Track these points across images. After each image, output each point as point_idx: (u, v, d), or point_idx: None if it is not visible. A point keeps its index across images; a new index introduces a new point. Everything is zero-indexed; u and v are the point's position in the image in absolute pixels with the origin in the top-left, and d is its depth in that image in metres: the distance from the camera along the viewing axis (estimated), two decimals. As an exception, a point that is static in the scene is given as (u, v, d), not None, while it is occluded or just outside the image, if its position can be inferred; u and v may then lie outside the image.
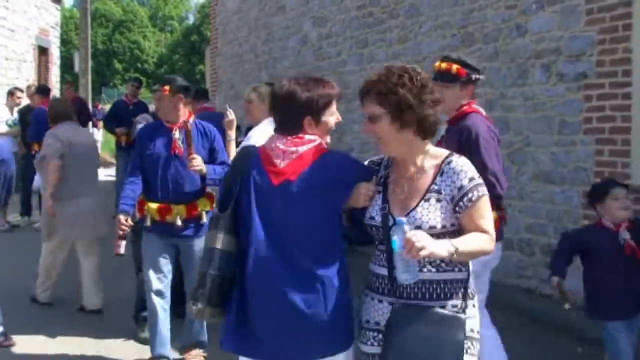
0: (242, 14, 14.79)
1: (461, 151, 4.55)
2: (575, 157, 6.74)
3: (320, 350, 2.98)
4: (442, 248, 2.66)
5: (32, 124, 10.73)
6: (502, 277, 7.48)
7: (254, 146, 3.32)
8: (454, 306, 2.86)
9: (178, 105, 5.45)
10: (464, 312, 2.86)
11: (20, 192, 11.90)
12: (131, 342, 6.19)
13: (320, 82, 3.11)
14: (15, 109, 12.13)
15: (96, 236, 7.05)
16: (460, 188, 2.83)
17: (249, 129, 6.25)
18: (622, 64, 6.23)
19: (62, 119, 7.15)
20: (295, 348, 2.99)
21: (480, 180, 2.88)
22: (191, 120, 5.56)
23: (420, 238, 2.60)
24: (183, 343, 5.76)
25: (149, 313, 5.55)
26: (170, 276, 5.59)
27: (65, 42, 39.49)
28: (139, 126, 6.57)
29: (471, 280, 2.94)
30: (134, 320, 6.37)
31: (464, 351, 2.78)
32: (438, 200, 2.85)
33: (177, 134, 5.39)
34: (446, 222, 2.84)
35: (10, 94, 12.30)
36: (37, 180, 8.94)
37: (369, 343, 2.96)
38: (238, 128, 6.51)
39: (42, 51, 21.14)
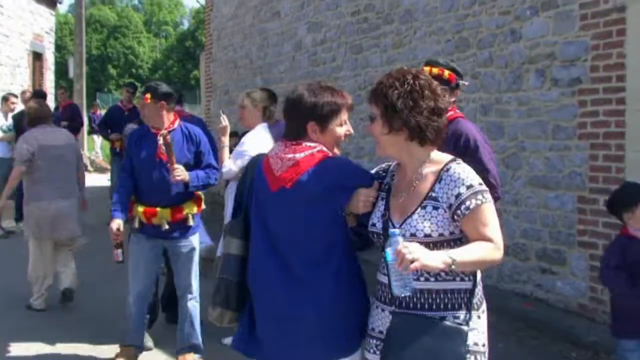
0: (237, 20, 14.80)
1: (457, 156, 4.63)
2: (570, 162, 6.75)
3: (318, 355, 3.00)
4: (437, 260, 2.58)
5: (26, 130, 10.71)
6: (496, 282, 7.50)
7: (264, 153, 3.32)
8: (456, 317, 2.76)
9: (161, 112, 5.54)
10: (467, 324, 2.75)
11: (15, 198, 11.86)
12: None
13: (329, 90, 3.10)
14: (10, 115, 12.10)
15: (67, 237, 7.24)
16: (458, 196, 2.74)
17: (245, 134, 6.26)
18: (616, 69, 6.24)
19: (38, 122, 7.26)
20: (292, 351, 3.01)
21: (482, 188, 2.77)
22: (176, 124, 5.64)
23: (413, 250, 2.54)
24: (177, 347, 5.81)
25: (128, 309, 5.68)
26: (153, 277, 5.77)
27: (59, 47, 39.46)
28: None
29: (478, 290, 2.85)
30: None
31: None
32: (435, 208, 2.77)
33: (160, 140, 5.45)
34: (444, 230, 2.76)
35: (5, 99, 12.27)
36: None
37: (371, 351, 2.94)
38: (235, 134, 6.52)
39: (37, 57, 21.13)
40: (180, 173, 5.38)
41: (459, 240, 2.79)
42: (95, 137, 22.87)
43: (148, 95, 5.50)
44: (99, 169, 20.91)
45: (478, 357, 2.79)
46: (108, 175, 16.49)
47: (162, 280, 6.59)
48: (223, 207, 6.35)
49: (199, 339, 5.78)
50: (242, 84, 13.74)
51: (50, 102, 17.03)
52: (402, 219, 2.81)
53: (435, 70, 4.53)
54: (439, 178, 2.81)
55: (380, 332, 2.90)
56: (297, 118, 3.10)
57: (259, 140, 6.15)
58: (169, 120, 5.59)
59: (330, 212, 2.98)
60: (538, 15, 7.06)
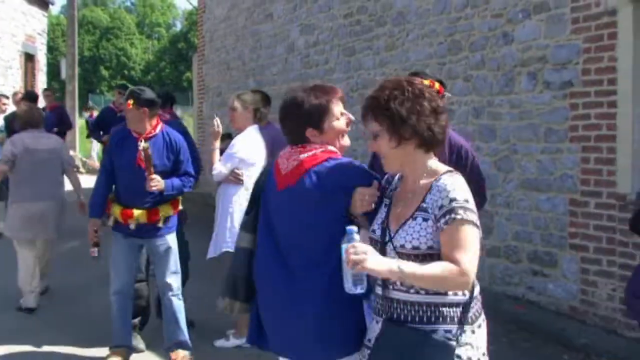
0: (229, 22, 14.79)
1: (456, 166, 4.69)
2: (562, 164, 6.77)
3: (314, 353, 3.03)
4: (384, 266, 2.56)
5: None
6: (488, 284, 7.51)
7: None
8: (447, 331, 2.68)
9: (143, 119, 5.59)
10: (458, 339, 2.67)
11: (5, 200, 11.81)
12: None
13: (313, 92, 3.13)
14: (1, 116, 12.06)
15: (46, 237, 7.52)
16: (440, 207, 2.67)
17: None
18: (608, 72, 6.27)
19: (29, 126, 7.57)
20: (291, 346, 3.09)
21: (466, 205, 2.66)
22: (158, 130, 5.69)
23: (360, 250, 2.54)
24: (164, 346, 5.87)
25: (112, 307, 5.76)
26: (133, 274, 5.85)
27: (52, 48, 39.38)
28: None
29: (474, 304, 2.78)
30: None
31: None
32: (425, 220, 2.71)
33: (140, 146, 5.48)
34: (434, 243, 2.68)
35: (-4, 101, 12.24)
36: None
37: None
38: (228, 136, 6.52)
39: (29, 58, 21.10)
40: (156, 183, 5.48)
41: None
42: (94, 141, 22.80)
43: (130, 102, 5.53)
44: (91, 171, 20.85)
45: None
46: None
47: (152, 282, 6.59)
48: (214, 208, 6.35)
49: (185, 336, 5.83)
50: (234, 86, 13.73)
51: (42, 104, 16.95)
52: (396, 229, 2.78)
53: (426, 82, 4.55)
54: (430, 188, 2.75)
55: (369, 340, 2.89)
56: (295, 128, 3.16)
57: (250, 143, 6.16)
58: (151, 125, 5.65)
59: (332, 213, 3.00)
60: (530, 19, 7.08)
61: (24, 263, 7.36)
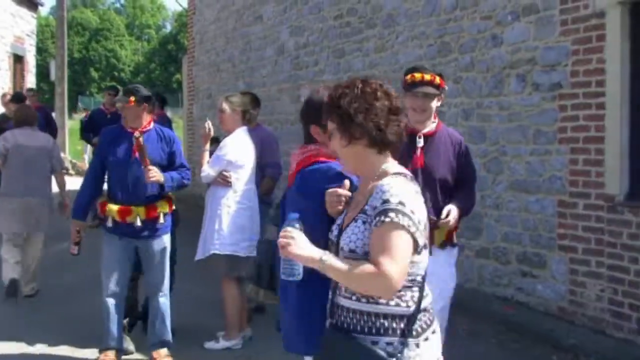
0: (219, 23, 14.79)
1: (458, 161, 4.70)
2: (550, 166, 6.79)
3: (296, 346, 3.19)
4: (308, 253, 2.57)
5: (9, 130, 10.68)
6: (478, 285, 7.54)
7: None
8: (389, 344, 2.57)
9: (142, 114, 5.72)
10: (400, 352, 2.55)
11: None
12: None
13: (327, 90, 3.06)
14: (-10, 117, 12.04)
15: (34, 232, 7.77)
16: (375, 209, 2.58)
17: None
18: (596, 74, 6.29)
19: (23, 124, 7.88)
20: (286, 336, 3.25)
21: (400, 207, 2.54)
22: (151, 126, 5.80)
23: (290, 236, 2.58)
24: (148, 344, 5.90)
25: (102, 310, 5.75)
26: (128, 277, 5.84)
27: (41, 50, 39.23)
28: None
29: (422, 316, 2.64)
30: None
31: None
32: (364, 222, 2.63)
33: (135, 134, 5.58)
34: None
35: (-16, 102, 12.23)
36: None
37: None
38: (216, 140, 6.53)
39: (18, 59, 21.01)
40: (154, 174, 5.53)
41: None
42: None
43: (132, 99, 5.62)
44: (80, 173, 20.79)
45: None
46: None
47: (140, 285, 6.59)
48: (204, 210, 6.34)
49: (169, 335, 5.90)
50: (224, 88, 13.72)
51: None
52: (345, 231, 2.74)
53: (427, 77, 4.57)
54: (372, 190, 2.66)
55: None
56: (303, 124, 3.30)
57: (238, 144, 6.17)
58: (146, 121, 5.76)
59: (318, 213, 3.01)
60: (519, 21, 7.11)
61: (8, 256, 7.63)
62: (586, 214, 6.41)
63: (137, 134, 5.52)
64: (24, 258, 7.76)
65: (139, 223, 5.58)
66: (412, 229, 2.54)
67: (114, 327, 5.75)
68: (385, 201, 2.56)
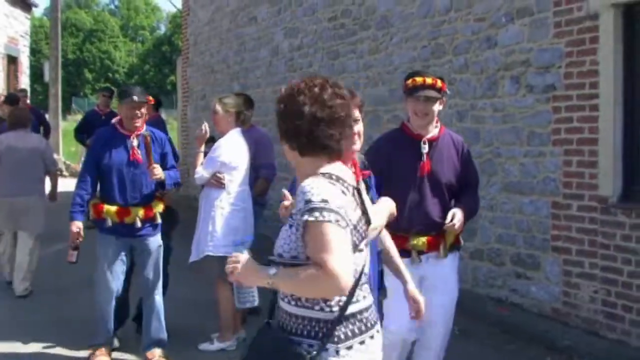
0: (213, 25, 14.78)
1: (461, 164, 4.70)
2: (544, 167, 6.81)
3: None
4: (255, 276, 2.62)
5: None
6: (472, 286, 7.55)
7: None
8: (310, 346, 2.57)
9: (145, 115, 5.93)
10: (318, 355, 2.55)
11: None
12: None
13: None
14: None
15: (28, 230, 8.01)
16: (299, 211, 2.55)
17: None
18: (590, 76, 6.31)
19: (17, 126, 8.16)
20: None
21: (324, 205, 2.49)
22: (144, 128, 5.88)
23: (236, 261, 2.62)
24: (144, 343, 5.92)
25: (98, 310, 5.81)
26: (123, 278, 5.89)
27: (35, 51, 39.20)
28: None
29: (348, 324, 2.60)
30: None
31: None
32: (290, 226, 2.60)
33: (135, 142, 5.70)
34: (297, 252, 2.57)
35: (-22, 103, 12.21)
36: None
37: None
38: (212, 139, 6.53)
39: (11, 60, 20.96)
40: (159, 172, 5.65)
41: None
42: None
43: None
44: (75, 174, 20.75)
45: None
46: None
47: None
48: (197, 211, 6.34)
49: (165, 334, 5.93)
50: (219, 89, 13.71)
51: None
52: None
53: (429, 80, 4.55)
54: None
55: None
56: None
57: (232, 146, 6.17)
58: (142, 123, 5.88)
59: None
60: (513, 23, 7.12)
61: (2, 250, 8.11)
62: (580, 216, 6.43)
63: (146, 133, 5.70)
64: (17, 257, 7.97)
65: (139, 224, 5.67)
66: (342, 224, 2.51)
67: (107, 326, 5.80)
68: (308, 201, 2.51)
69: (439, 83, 4.59)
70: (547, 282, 6.82)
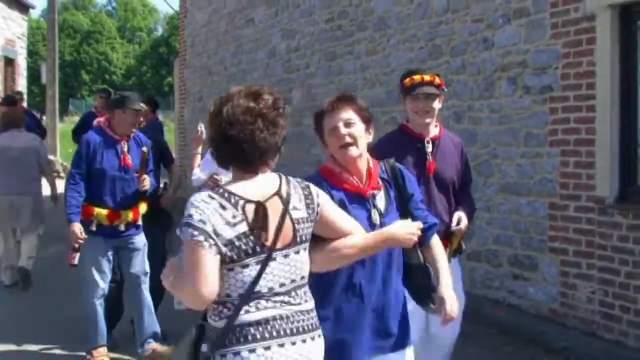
0: (211, 26, 14.77)
1: (461, 164, 4.72)
2: (541, 168, 6.81)
3: None
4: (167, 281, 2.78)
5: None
6: (469, 288, 7.53)
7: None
8: (205, 349, 2.71)
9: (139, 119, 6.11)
10: (209, 357, 2.68)
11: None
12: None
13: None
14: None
15: (22, 226, 8.41)
16: None
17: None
18: (586, 77, 6.32)
19: (11, 127, 8.45)
20: None
21: (187, 220, 2.61)
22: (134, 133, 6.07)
23: (166, 270, 2.77)
24: (141, 339, 6.01)
25: (90, 311, 5.86)
26: (110, 276, 5.99)
27: (32, 53, 39.13)
28: None
29: (237, 332, 2.65)
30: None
31: None
32: None
33: (125, 147, 5.85)
34: None
35: (-24, 104, 12.20)
36: None
37: None
38: None
39: (9, 62, 20.94)
40: (147, 183, 5.85)
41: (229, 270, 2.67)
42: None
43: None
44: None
45: None
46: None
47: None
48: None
49: (158, 326, 6.06)
50: (216, 91, 13.69)
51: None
52: None
53: (427, 77, 4.51)
54: None
55: None
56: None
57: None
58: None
59: None
60: (510, 24, 7.13)
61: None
62: (577, 216, 6.43)
63: (144, 148, 5.86)
64: (22, 246, 8.45)
65: (122, 227, 5.83)
66: (200, 237, 2.57)
67: (102, 326, 5.88)
68: (186, 215, 2.64)
69: (437, 80, 4.56)
70: (544, 283, 6.83)
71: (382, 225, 3.13)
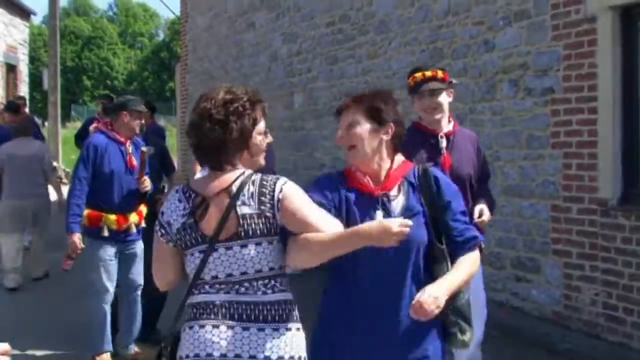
0: (212, 31, 14.79)
1: (478, 159, 4.60)
2: (543, 170, 6.81)
3: None
4: None
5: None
6: (472, 290, 7.52)
7: None
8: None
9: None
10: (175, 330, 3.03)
11: None
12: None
13: None
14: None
15: (31, 228, 8.97)
16: None
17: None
18: (588, 79, 6.32)
19: (21, 134, 8.95)
20: None
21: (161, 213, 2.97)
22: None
23: None
24: (128, 340, 6.10)
25: (99, 317, 5.84)
26: (115, 282, 6.01)
27: (33, 59, 39.23)
28: None
29: (189, 310, 2.94)
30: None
31: None
32: None
33: (130, 149, 5.90)
34: None
35: (-22, 111, 12.24)
36: None
37: None
38: None
39: (10, 68, 20.98)
40: (148, 184, 5.91)
41: None
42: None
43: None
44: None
45: None
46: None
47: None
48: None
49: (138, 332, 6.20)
50: (205, 93, 13.69)
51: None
52: None
53: (428, 73, 4.44)
54: None
55: None
56: None
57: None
58: None
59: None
60: (511, 26, 7.13)
61: (6, 249, 8.67)
62: (580, 218, 6.42)
63: (144, 149, 5.89)
64: (32, 249, 9.04)
65: (134, 229, 5.90)
66: (157, 227, 2.94)
67: (108, 331, 5.89)
68: None
69: (440, 74, 4.48)
70: (547, 285, 6.82)
71: None
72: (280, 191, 2.85)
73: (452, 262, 3.00)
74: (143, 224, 6.01)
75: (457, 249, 3.02)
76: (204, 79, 15.17)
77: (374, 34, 9.33)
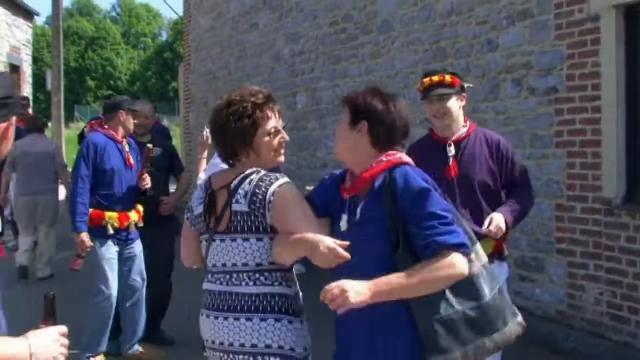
0: (215, 32, 14.80)
1: (499, 164, 4.39)
2: (547, 170, 6.80)
3: None
4: None
5: None
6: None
7: None
8: None
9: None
10: None
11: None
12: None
13: None
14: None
15: (43, 223, 9.37)
16: None
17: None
18: (592, 78, 6.31)
19: (32, 131, 9.38)
20: None
21: None
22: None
23: None
24: (131, 341, 6.12)
25: (104, 314, 5.85)
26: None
27: (37, 60, 39.26)
28: None
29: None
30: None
31: None
32: None
33: (127, 148, 5.99)
34: None
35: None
36: None
37: None
38: None
39: (14, 69, 21.00)
40: (148, 182, 5.99)
41: None
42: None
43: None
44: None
45: None
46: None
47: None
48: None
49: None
50: (220, 96, 13.70)
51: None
52: None
53: (435, 79, 4.35)
54: None
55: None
56: None
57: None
58: None
59: None
60: (514, 25, 7.12)
61: (24, 244, 9.21)
62: (584, 218, 6.42)
63: (150, 146, 5.98)
64: (38, 247, 9.35)
65: (134, 227, 5.96)
66: (186, 211, 3.25)
67: (108, 332, 5.92)
68: None
69: (448, 78, 4.36)
70: (551, 284, 6.81)
71: (351, 233, 2.84)
72: (273, 194, 2.93)
73: None
74: (141, 224, 6.04)
75: (423, 256, 2.75)
76: (207, 79, 15.18)
77: (377, 33, 9.33)
